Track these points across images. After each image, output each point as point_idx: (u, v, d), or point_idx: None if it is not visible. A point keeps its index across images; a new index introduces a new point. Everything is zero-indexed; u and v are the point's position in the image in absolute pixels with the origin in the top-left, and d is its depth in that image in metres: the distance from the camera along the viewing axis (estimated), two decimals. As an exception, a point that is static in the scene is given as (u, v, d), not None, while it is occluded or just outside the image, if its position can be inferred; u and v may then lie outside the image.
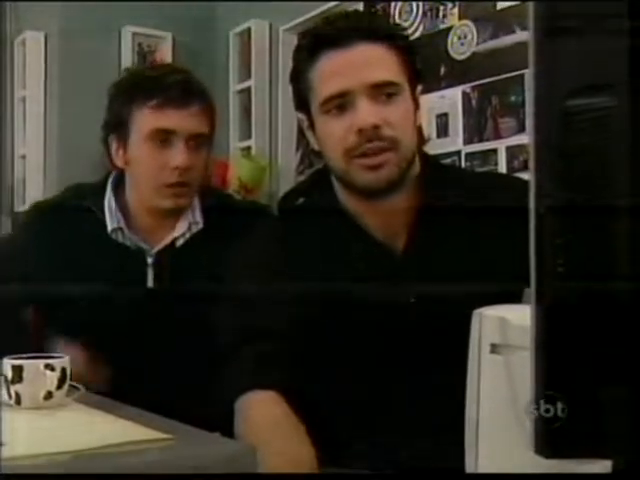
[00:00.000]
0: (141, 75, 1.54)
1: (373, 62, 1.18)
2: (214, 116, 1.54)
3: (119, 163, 1.53)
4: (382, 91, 1.18)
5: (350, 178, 1.20)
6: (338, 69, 1.18)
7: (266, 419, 1.10)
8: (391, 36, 1.22)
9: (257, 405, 1.12)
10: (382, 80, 1.17)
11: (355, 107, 1.17)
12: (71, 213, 1.53)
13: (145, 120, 1.47)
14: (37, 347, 1.35)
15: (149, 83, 1.48)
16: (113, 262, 1.51)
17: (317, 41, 1.21)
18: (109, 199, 1.54)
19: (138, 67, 1.62)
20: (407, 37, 1.30)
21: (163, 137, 1.46)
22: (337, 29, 1.20)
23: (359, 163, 1.18)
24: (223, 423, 1.11)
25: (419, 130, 1.26)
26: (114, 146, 1.53)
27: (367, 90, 1.16)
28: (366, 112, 1.16)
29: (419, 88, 1.25)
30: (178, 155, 1.46)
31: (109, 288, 1.48)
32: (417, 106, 1.24)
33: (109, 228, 1.52)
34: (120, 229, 1.52)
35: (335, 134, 1.18)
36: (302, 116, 1.27)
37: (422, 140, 1.30)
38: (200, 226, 1.55)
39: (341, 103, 1.18)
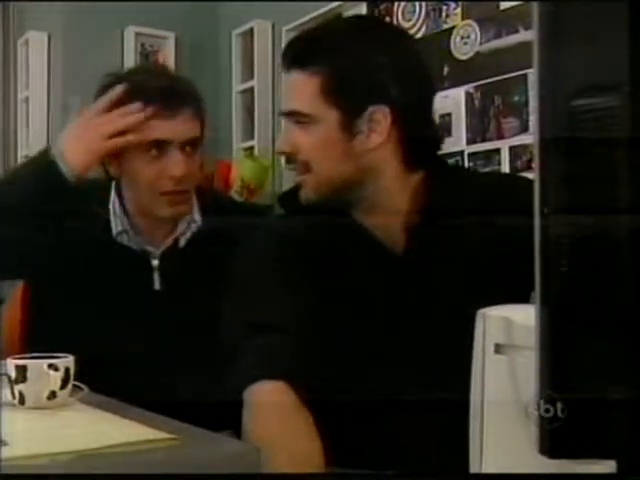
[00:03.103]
0: (127, 82, 1.48)
1: (290, 90, 1.24)
2: (204, 115, 1.52)
3: (113, 174, 1.51)
4: (294, 119, 1.22)
5: None
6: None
7: (274, 410, 1.11)
8: (317, 60, 1.19)
9: (265, 395, 1.12)
10: (290, 110, 1.22)
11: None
12: (77, 211, 1.51)
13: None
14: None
15: (136, 92, 1.44)
16: (119, 265, 1.50)
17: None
18: (114, 201, 1.53)
19: (121, 72, 1.57)
20: (339, 59, 1.19)
21: (157, 147, 1.44)
22: (286, 53, 1.25)
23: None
24: (231, 414, 1.11)
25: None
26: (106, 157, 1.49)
27: (286, 117, 1.24)
28: (281, 138, 1.25)
29: (367, 111, 1.17)
30: (175, 164, 1.43)
31: (116, 291, 1.48)
32: (352, 132, 1.18)
33: (114, 231, 1.51)
34: (125, 232, 1.51)
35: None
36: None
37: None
38: (199, 224, 1.54)
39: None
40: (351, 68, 1.19)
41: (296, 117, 1.21)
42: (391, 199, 1.23)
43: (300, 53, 1.22)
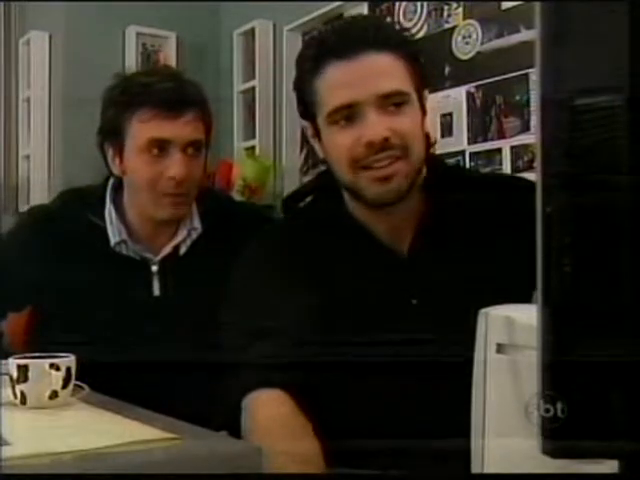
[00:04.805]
0: (132, 82, 1.50)
1: (381, 72, 1.16)
2: (210, 120, 1.51)
3: (116, 171, 1.51)
4: (391, 101, 1.16)
5: (358, 189, 1.19)
6: (346, 80, 1.16)
7: (272, 418, 1.11)
8: (398, 44, 1.20)
9: (264, 403, 1.12)
10: (391, 90, 1.16)
11: (363, 118, 1.15)
12: (71, 223, 1.51)
13: (139, 130, 1.44)
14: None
15: (141, 91, 1.45)
16: (118, 273, 1.50)
17: (322, 50, 1.19)
18: (109, 210, 1.52)
19: (130, 73, 1.57)
20: (414, 43, 1.28)
21: (159, 146, 1.43)
22: (343, 38, 1.18)
23: (367, 175, 1.16)
24: (230, 421, 1.11)
25: (426, 135, 1.25)
26: (110, 153, 1.50)
27: (376, 101, 1.15)
28: (375, 124, 1.14)
29: (426, 93, 1.24)
30: (175, 165, 1.43)
31: (116, 299, 1.47)
32: (424, 112, 1.22)
33: (112, 241, 1.50)
34: (124, 241, 1.51)
35: (342, 145, 1.17)
36: (307, 124, 1.25)
37: (429, 144, 1.29)
38: (199, 231, 1.54)
39: (349, 114, 1.16)
40: (419, 52, 1.24)
41: (396, 97, 1.17)
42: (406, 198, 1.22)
43: (378, 36, 1.19)
